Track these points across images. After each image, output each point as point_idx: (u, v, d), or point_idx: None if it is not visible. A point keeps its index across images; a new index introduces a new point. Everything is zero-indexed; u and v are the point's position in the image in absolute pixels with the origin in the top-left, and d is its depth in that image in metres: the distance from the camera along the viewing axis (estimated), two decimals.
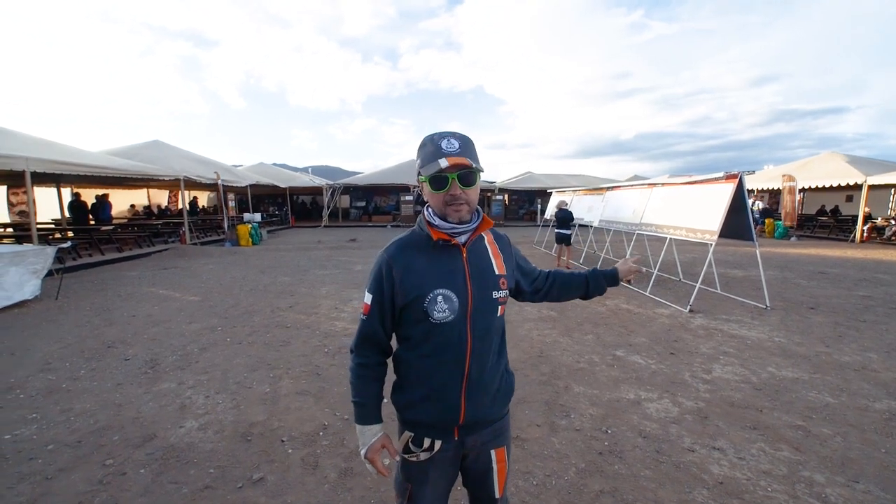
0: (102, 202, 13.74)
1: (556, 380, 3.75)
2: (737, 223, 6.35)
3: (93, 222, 13.17)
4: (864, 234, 15.36)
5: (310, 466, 2.57)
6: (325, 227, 22.87)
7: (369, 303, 1.24)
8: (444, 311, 1.17)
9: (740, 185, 6.03)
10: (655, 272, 7.64)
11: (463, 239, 1.22)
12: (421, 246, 1.23)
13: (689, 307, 6.07)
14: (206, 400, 3.37)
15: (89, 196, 14.34)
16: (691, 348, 4.55)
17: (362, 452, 1.27)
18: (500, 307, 1.26)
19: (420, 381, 1.23)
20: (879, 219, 16.43)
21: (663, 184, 8.19)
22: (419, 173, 1.19)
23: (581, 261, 10.70)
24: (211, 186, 15.77)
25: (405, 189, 23.66)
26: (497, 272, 1.26)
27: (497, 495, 1.36)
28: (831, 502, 2.27)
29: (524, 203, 30.22)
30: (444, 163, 1.11)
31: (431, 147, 1.16)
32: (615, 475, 2.50)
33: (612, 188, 10.36)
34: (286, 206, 24.59)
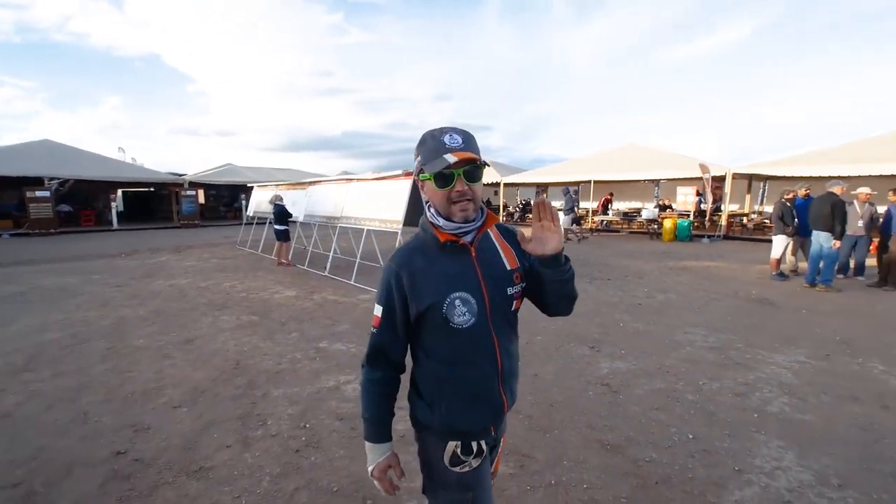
0: None
1: (252, 390, 3.49)
2: (417, 213, 7.62)
3: None
4: (504, 220, 21.78)
5: None
6: None
7: (379, 315, 1.21)
8: (465, 314, 1.15)
9: (415, 181, 7.25)
10: (358, 261, 8.30)
11: (469, 238, 1.18)
12: (429, 250, 1.19)
13: None
14: None
15: None
16: None
17: (370, 469, 1.26)
18: (514, 302, 1.24)
19: (457, 390, 1.20)
20: (510, 207, 23.53)
21: (358, 179, 8.93)
22: (420, 171, 1.15)
23: (290, 257, 10.49)
24: None
25: (36, 182, 16.95)
26: (509, 267, 1.23)
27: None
28: None
29: (225, 199, 27.08)
30: (451, 158, 1.07)
31: (433, 143, 1.12)
32: (312, 466, 2.53)
33: (314, 183, 10.52)
34: None
